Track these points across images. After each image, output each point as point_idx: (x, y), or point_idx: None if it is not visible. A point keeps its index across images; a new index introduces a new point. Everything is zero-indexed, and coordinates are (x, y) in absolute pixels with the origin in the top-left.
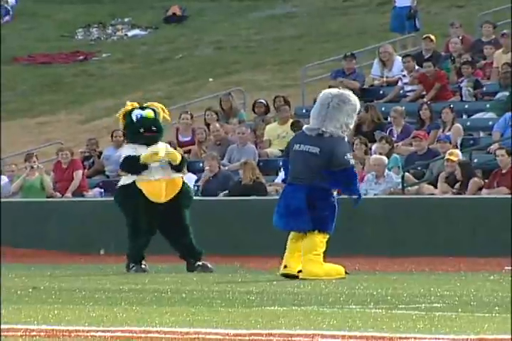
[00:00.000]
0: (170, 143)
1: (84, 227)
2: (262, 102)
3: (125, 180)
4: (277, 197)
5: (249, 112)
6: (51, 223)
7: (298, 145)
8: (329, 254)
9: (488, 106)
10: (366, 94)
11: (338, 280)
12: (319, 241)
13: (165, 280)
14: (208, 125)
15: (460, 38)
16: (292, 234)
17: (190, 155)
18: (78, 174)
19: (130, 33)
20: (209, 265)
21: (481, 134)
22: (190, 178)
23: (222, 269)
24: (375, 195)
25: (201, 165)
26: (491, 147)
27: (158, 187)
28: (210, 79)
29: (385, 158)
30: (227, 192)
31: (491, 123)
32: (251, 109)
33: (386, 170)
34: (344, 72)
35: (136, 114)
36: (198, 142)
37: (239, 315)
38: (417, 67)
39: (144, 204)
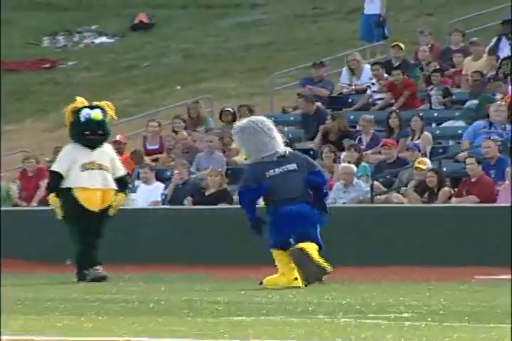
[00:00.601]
0: (135, 152)
1: (51, 237)
2: (228, 110)
3: (64, 183)
4: None
5: (216, 120)
6: (17, 232)
7: (271, 170)
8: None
9: (457, 114)
10: (335, 102)
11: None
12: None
13: (132, 289)
14: (175, 133)
15: (429, 45)
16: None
17: (157, 163)
18: (44, 183)
19: (97, 41)
20: (104, 272)
21: (451, 142)
22: (158, 187)
23: (189, 279)
24: (343, 203)
25: (169, 173)
26: (460, 155)
27: (94, 196)
28: (178, 87)
29: (353, 166)
30: (190, 198)
31: (460, 131)
32: (218, 117)
33: (355, 179)
34: (313, 79)
35: (85, 113)
36: (166, 149)
37: (206, 325)
38: (386, 75)
39: (77, 209)
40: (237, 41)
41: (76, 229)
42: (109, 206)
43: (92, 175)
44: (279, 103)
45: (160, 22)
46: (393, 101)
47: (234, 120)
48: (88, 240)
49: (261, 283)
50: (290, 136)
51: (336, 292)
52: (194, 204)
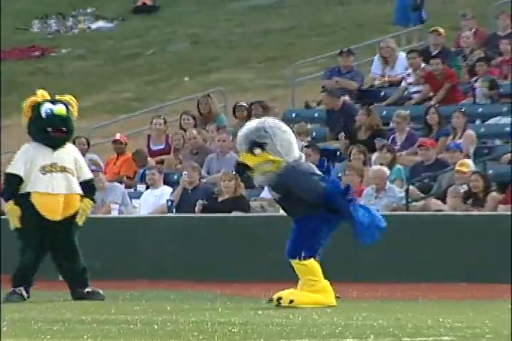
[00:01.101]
0: (137, 153)
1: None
2: (243, 105)
3: (22, 188)
4: (262, 214)
5: (230, 116)
6: (3, 244)
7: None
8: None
9: (504, 109)
10: (365, 96)
11: (332, 308)
12: None
13: (134, 309)
14: (183, 131)
15: (473, 31)
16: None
17: (162, 165)
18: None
19: (94, 26)
20: (100, 291)
21: (497, 142)
22: (165, 192)
23: (199, 297)
24: None
25: (176, 177)
26: (507, 156)
27: (55, 202)
28: (186, 79)
29: (386, 169)
30: (200, 205)
31: (507, 129)
32: (232, 113)
33: (388, 183)
34: (340, 70)
35: (46, 108)
36: (174, 150)
37: None
38: (423, 65)
39: (35, 218)
40: (253, 26)
41: (30, 242)
42: (75, 213)
43: (54, 179)
44: (302, 96)
45: (165, 4)
46: (432, 94)
47: (250, 116)
48: (38, 255)
49: (270, 301)
50: (314, 134)
51: (367, 312)
52: (205, 212)
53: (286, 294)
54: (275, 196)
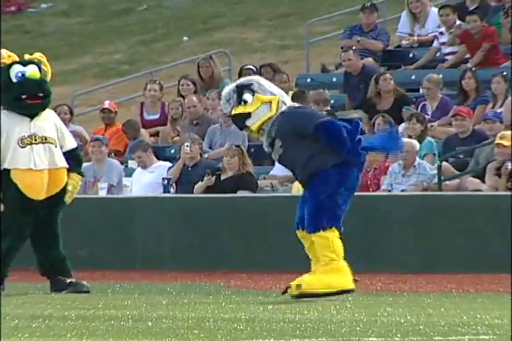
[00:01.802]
0: (129, 123)
1: None
2: (251, 69)
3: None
4: (272, 194)
5: (235, 81)
6: None
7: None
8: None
9: None
10: (391, 58)
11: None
12: None
13: (125, 303)
14: (182, 98)
15: None
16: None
17: (157, 138)
18: None
19: None
20: (84, 282)
21: None
22: (162, 166)
23: (199, 289)
24: (402, 191)
25: (173, 151)
26: None
27: (38, 179)
28: (185, 38)
29: (415, 142)
30: (210, 176)
31: None
32: (237, 78)
33: (417, 159)
34: (362, 28)
35: (17, 71)
36: (171, 120)
37: None
38: (458, 22)
39: (17, 199)
40: None
41: (10, 228)
42: (62, 191)
43: (35, 152)
44: (318, 59)
45: None
46: (468, 56)
47: None
48: (18, 244)
49: (285, 293)
50: (332, 102)
51: (392, 307)
52: (206, 191)
53: (295, 282)
54: (279, 151)
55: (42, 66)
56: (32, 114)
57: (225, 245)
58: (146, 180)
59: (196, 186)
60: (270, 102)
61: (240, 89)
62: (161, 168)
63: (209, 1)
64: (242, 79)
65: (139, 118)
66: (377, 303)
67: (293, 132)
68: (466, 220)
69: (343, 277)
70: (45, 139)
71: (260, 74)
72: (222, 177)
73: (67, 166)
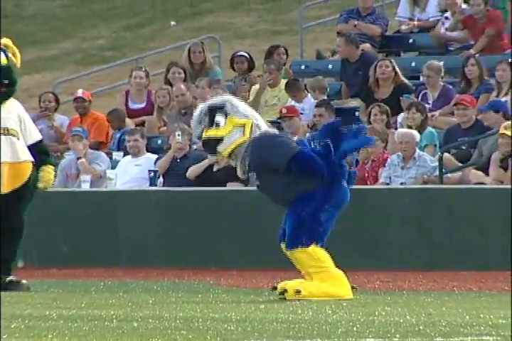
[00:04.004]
0: (114, 112)
1: None
2: (243, 55)
3: None
4: None
5: (226, 69)
6: None
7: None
8: (341, 268)
9: None
10: (390, 43)
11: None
12: None
13: (109, 302)
14: (169, 86)
15: None
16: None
17: (143, 128)
18: None
19: None
20: (24, 281)
21: None
22: (149, 159)
23: (187, 287)
24: (401, 184)
25: (160, 142)
26: None
27: None
28: (173, 23)
29: (415, 132)
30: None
31: None
32: (229, 65)
33: (417, 150)
34: (359, 12)
35: None
36: (157, 109)
37: None
38: (463, 6)
39: None
40: None
41: None
42: (25, 186)
43: None
44: (313, 45)
45: None
46: (472, 42)
47: (251, 68)
48: None
49: (274, 289)
50: (328, 90)
51: (391, 306)
52: (197, 181)
53: (293, 284)
54: (256, 182)
55: (8, 51)
56: None
57: (215, 241)
58: (132, 174)
59: (192, 168)
60: (243, 126)
61: (213, 112)
62: (148, 162)
63: None
64: (215, 100)
65: (123, 108)
66: (375, 302)
67: (266, 167)
68: (469, 215)
69: (341, 285)
70: (7, 131)
71: (253, 62)
72: (214, 169)
73: (31, 160)
